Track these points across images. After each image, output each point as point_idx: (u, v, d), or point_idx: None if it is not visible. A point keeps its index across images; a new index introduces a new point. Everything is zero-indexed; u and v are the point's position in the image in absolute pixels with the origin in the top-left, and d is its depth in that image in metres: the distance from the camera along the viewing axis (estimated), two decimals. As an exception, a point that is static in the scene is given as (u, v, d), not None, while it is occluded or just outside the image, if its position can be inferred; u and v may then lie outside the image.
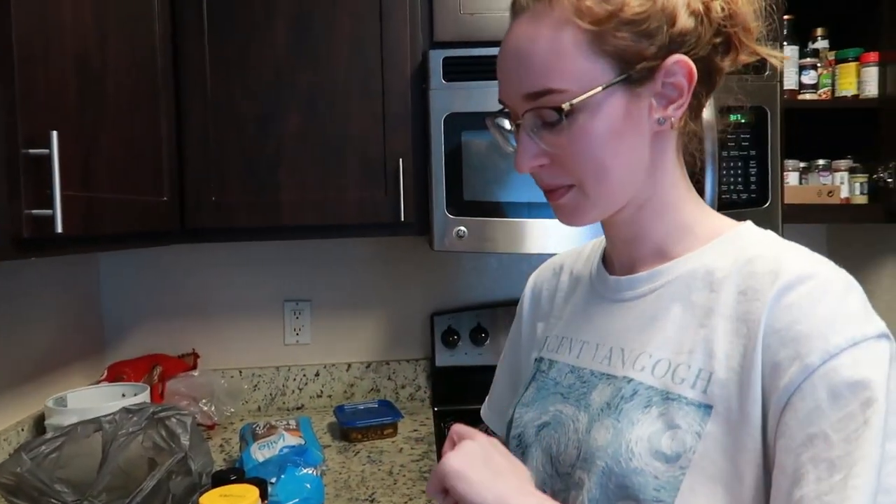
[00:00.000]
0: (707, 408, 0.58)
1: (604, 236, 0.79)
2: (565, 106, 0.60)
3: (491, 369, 2.01)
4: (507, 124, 0.69)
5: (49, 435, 1.12)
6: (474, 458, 0.60)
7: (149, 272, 1.86)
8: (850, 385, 0.53)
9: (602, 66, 0.60)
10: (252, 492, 0.91)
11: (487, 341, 1.84)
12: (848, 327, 0.55)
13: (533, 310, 0.86)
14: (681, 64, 0.61)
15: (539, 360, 0.77)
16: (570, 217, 0.68)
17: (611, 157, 0.63)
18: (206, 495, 0.91)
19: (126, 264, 1.85)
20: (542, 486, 0.67)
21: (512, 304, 1.88)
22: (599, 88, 0.60)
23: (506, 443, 0.74)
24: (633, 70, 0.61)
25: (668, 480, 0.57)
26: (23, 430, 1.41)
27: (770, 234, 0.66)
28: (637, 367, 0.64)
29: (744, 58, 0.66)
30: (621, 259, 0.72)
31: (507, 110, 0.68)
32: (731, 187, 1.52)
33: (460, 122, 1.50)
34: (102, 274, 1.85)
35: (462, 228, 1.48)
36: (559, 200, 0.66)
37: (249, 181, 1.52)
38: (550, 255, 0.90)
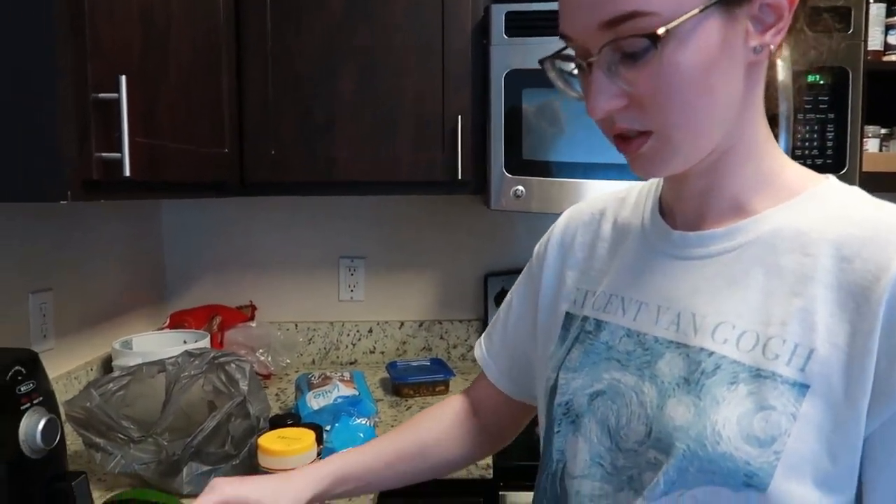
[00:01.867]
0: (803, 387, 0.52)
1: (648, 182, 0.71)
2: (660, 31, 0.50)
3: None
4: (570, 66, 0.60)
5: (116, 374, 1.16)
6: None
7: (209, 225, 1.91)
8: None
9: None
10: (308, 435, 0.93)
11: (541, 304, 1.82)
12: None
13: (561, 256, 0.77)
14: None
15: (583, 319, 0.70)
16: (648, 168, 0.59)
17: (703, 95, 0.54)
18: (264, 436, 0.94)
19: (188, 217, 1.90)
20: (599, 460, 0.62)
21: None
22: (696, 10, 0.51)
23: (548, 407, 0.69)
24: None
25: (760, 466, 0.52)
26: (91, 370, 1.48)
27: (857, 190, 0.60)
28: (718, 339, 0.57)
29: None
30: (686, 212, 0.64)
31: (570, 48, 0.58)
32: (806, 152, 1.45)
33: (521, 80, 1.47)
34: (164, 226, 1.90)
35: (519, 188, 1.46)
36: (638, 151, 0.58)
37: (306, 137, 1.52)
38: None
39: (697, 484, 0.54)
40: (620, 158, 0.61)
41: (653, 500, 0.56)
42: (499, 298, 1.83)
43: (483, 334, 0.90)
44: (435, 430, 0.85)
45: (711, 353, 0.57)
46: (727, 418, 0.54)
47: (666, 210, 0.68)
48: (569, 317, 0.72)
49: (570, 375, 0.67)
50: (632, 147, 0.58)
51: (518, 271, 2.06)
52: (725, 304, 0.58)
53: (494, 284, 1.85)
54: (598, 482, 0.62)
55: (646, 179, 0.62)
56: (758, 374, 0.54)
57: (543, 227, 2.07)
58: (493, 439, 0.88)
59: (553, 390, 0.68)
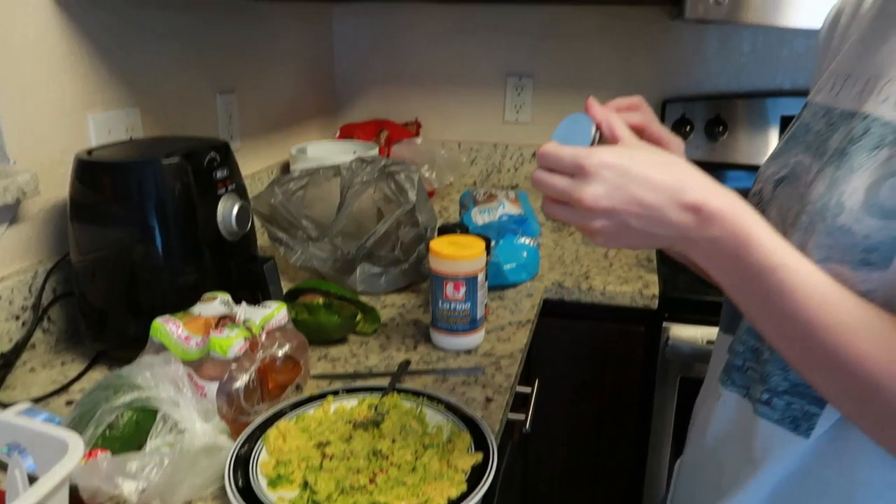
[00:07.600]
0: None
1: None
2: None
3: (726, 167, 1.83)
4: None
5: (296, 174, 1.22)
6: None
7: (378, 35, 1.87)
8: None
9: None
10: (479, 242, 0.92)
11: (725, 136, 1.65)
12: None
13: (826, 42, 0.67)
14: None
15: (805, 106, 0.63)
16: None
17: None
18: (435, 240, 0.95)
19: (358, 26, 1.87)
20: None
21: (760, 97, 1.65)
22: None
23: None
24: None
25: (882, 240, 0.46)
26: (272, 173, 1.57)
27: None
28: (879, 98, 0.51)
29: None
30: None
31: None
32: None
33: None
34: (335, 37, 1.89)
35: (723, -7, 1.26)
36: None
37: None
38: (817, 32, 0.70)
39: (818, 261, 0.49)
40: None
41: None
42: (677, 127, 1.68)
43: None
44: None
45: (866, 117, 0.51)
46: (856, 188, 0.48)
47: None
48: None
49: (767, 164, 0.63)
50: None
51: (703, 97, 1.87)
52: None
53: (673, 111, 1.69)
54: None
55: None
56: None
57: (737, 48, 1.85)
58: None
59: (755, 182, 0.64)
